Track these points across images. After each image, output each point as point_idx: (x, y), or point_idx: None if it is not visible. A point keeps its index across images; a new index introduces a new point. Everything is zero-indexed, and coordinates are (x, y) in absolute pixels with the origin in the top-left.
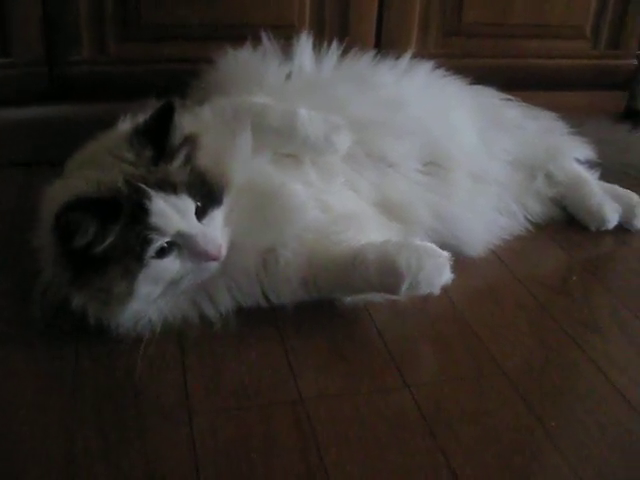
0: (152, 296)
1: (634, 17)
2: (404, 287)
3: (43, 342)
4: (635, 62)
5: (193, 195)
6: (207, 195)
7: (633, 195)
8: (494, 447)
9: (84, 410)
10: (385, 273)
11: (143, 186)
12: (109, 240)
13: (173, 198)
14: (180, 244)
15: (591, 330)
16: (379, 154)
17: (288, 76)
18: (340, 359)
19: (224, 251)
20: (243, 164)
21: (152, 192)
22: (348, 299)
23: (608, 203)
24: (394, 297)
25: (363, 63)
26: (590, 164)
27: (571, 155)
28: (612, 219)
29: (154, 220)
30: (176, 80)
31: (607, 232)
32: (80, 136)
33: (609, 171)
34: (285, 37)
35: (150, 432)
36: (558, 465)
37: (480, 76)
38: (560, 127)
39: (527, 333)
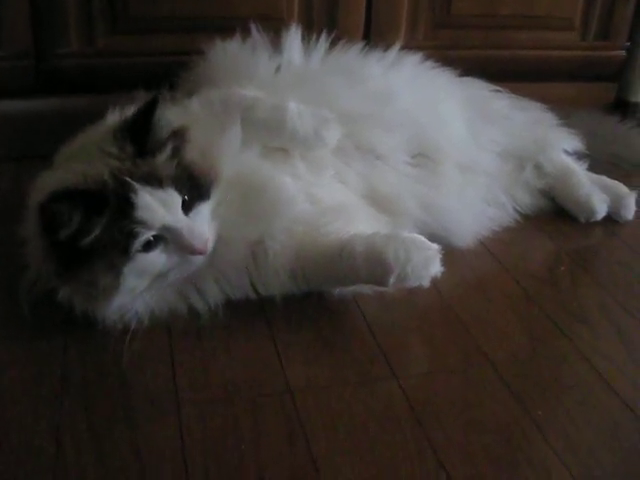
0: (138, 289)
1: (623, 8)
2: (392, 279)
3: (31, 335)
4: (624, 53)
5: (179, 189)
6: (194, 189)
7: (621, 186)
8: (482, 438)
9: (73, 402)
10: (373, 265)
11: (129, 179)
12: (95, 233)
13: (159, 192)
14: (166, 238)
15: (579, 321)
16: (368, 146)
17: (278, 69)
18: (329, 350)
19: (210, 245)
20: (232, 157)
21: (138, 186)
22: (337, 291)
23: (596, 194)
24: (382, 289)
25: (351, 55)
26: (579, 155)
27: (560, 146)
28: (601, 210)
29: (140, 214)
30: (165, 72)
31: (596, 223)
32: (69, 129)
33: (598, 162)
34: (274, 29)
35: (139, 423)
36: (546, 455)
37: (469, 67)
38: (549, 118)
39: (515, 324)
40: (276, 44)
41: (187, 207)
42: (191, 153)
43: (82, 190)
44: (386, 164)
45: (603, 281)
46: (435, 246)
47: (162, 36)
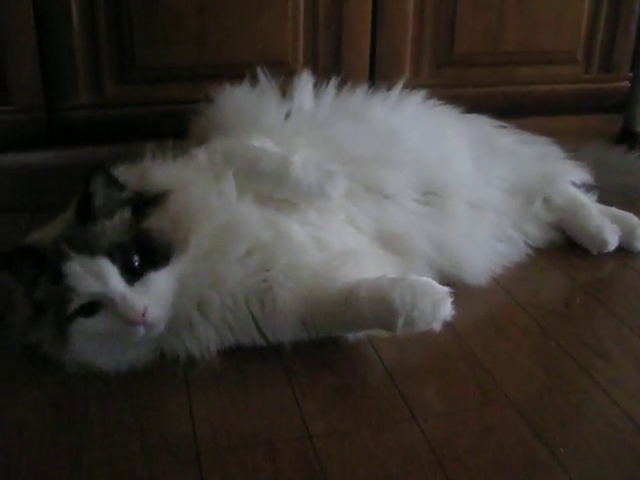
0: (90, 348)
1: (624, 39)
2: (400, 324)
3: (51, 383)
4: (628, 84)
5: (123, 256)
6: (147, 256)
7: (632, 217)
8: (504, 477)
9: (92, 456)
10: (379, 310)
11: (64, 247)
12: (41, 289)
13: (89, 260)
14: (104, 303)
15: (596, 354)
16: (376, 187)
17: (287, 115)
18: (346, 394)
19: (151, 316)
20: (225, 207)
21: (72, 253)
22: (350, 336)
23: (607, 225)
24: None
25: (357, 98)
26: (588, 187)
27: (567, 179)
28: (612, 241)
29: (68, 281)
30: (174, 121)
31: (608, 255)
32: (81, 180)
33: (607, 194)
34: (280, 74)
35: (159, 473)
36: None
37: (474, 104)
38: (555, 152)
39: (532, 359)
40: (284, 89)
41: (136, 275)
42: (158, 219)
43: (32, 248)
44: (395, 203)
45: (618, 312)
46: (444, 289)
47: (170, 85)
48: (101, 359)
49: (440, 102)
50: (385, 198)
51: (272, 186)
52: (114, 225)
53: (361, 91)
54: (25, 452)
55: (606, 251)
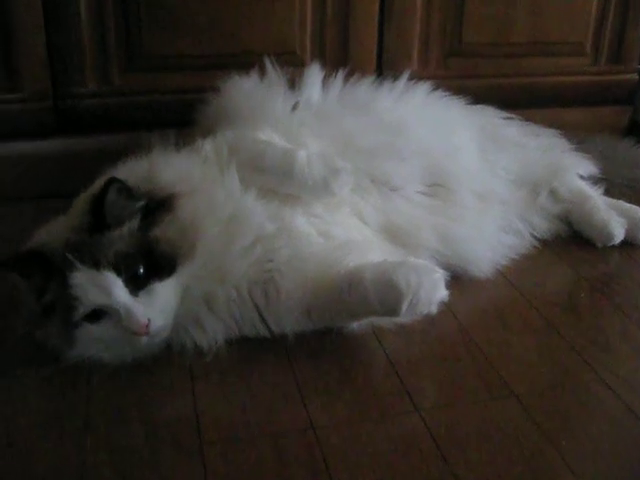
0: (91, 353)
1: (633, 31)
2: (404, 306)
3: (55, 375)
4: (637, 76)
5: (127, 266)
6: (152, 265)
7: (639, 210)
8: (506, 470)
9: (96, 448)
10: (384, 292)
11: (70, 257)
12: (49, 294)
13: (94, 273)
14: (109, 312)
15: (601, 348)
16: (383, 178)
17: (294, 107)
18: (350, 385)
19: (154, 326)
20: (231, 201)
21: (77, 264)
22: (354, 326)
23: (614, 218)
24: (395, 319)
25: (364, 89)
26: (594, 180)
27: (574, 171)
28: (618, 234)
29: (73, 291)
30: (182, 110)
31: (614, 248)
32: (87, 168)
33: (614, 186)
34: (287, 64)
35: (163, 467)
36: None
37: (482, 96)
38: (562, 144)
39: (536, 353)
40: (292, 80)
41: (140, 284)
42: (165, 228)
43: (40, 254)
44: (401, 196)
45: (623, 306)
46: (440, 270)
47: (178, 74)
48: (107, 356)
49: (447, 93)
50: (391, 190)
51: (277, 180)
52: (122, 235)
53: (368, 82)
54: (29, 439)
55: (612, 244)
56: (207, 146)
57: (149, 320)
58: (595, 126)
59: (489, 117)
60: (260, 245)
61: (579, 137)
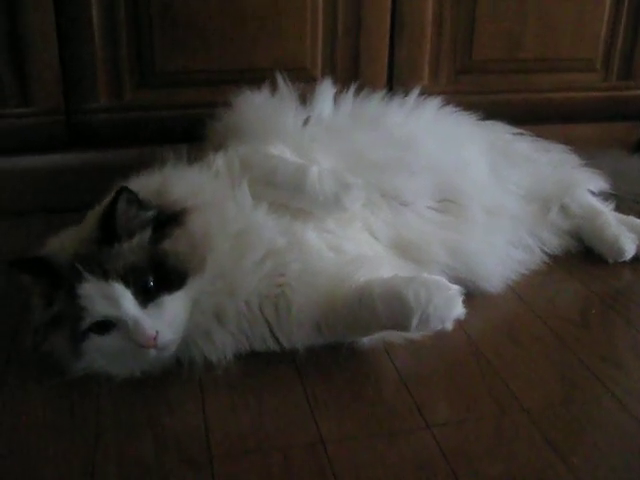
0: (99, 364)
1: None
2: (414, 321)
3: (66, 389)
4: None
5: (137, 278)
6: (162, 279)
7: None
8: None
9: (105, 462)
10: (393, 307)
11: (79, 267)
12: (57, 303)
13: (103, 284)
14: (117, 324)
15: (612, 364)
16: (393, 193)
17: (305, 122)
18: (360, 400)
19: (162, 340)
20: (242, 216)
21: (86, 275)
22: (364, 341)
23: (624, 234)
24: (405, 334)
25: (374, 104)
26: (605, 196)
27: (584, 187)
28: (629, 250)
29: (81, 302)
30: (192, 125)
31: (624, 263)
32: (99, 183)
33: (624, 202)
34: (298, 80)
35: (171, 476)
36: None
37: (492, 112)
38: (572, 159)
39: (547, 369)
40: (303, 95)
41: (149, 296)
42: (176, 241)
43: (49, 263)
44: (412, 211)
45: (635, 322)
46: (456, 287)
47: (189, 89)
48: (114, 369)
49: (458, 109)
50: (402, 205)
51: (289, 195)
52: (132, 246)
53: (379, 97)
54: (37, 452)
55: (623, 260)
56: (219, 161)
57: (157, 333)
58: (605, 142)
59: (500, 133)
60: (271, 260)
61: (589, 153)
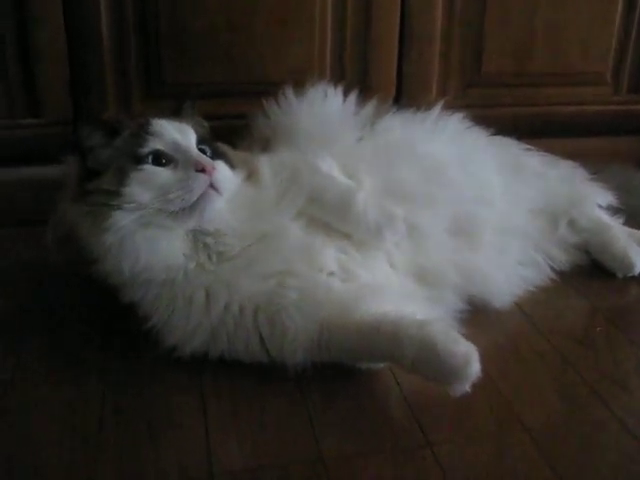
0: (138, 203)
1: None
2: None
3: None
4: None
5: (202, 138)
6: (218, 155)
7: None
8: None
9: (105, 470)
10: (427, 358)
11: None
12: (109, 150)
13: (176, 122)
14: (177, 159)
15: (614, 383)
16: (415, 224)
17: (359, 139)
18: (361, 417)
19: (218, 175)
20: (278, 220)
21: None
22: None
23: (634, 248)
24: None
25: (419, 125)
26: (614, 210)
27: (593, 201)
28: (639, 264)
29: (153, 128)
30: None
31: (632, 279)
32: None
33: (633, 217)
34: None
35: None
36: None
37: (501, 125)
38: (581, 174)
39: (550, 388)
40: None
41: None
42: (230, 151)
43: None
44: (429, 238)
45: (638, 340)
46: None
47: (197, 101)
48: (142, 251)
49: (468, 123)
50: (419, 233)
51: (332, 217)
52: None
53: (421, 118)
54: (37, 468)
55: (632, 274)
56: (265, 166)
57: (216, 165)
58: (615, 156)
59: (509, 147)
60: (275, 280)
61: (598, 167)
